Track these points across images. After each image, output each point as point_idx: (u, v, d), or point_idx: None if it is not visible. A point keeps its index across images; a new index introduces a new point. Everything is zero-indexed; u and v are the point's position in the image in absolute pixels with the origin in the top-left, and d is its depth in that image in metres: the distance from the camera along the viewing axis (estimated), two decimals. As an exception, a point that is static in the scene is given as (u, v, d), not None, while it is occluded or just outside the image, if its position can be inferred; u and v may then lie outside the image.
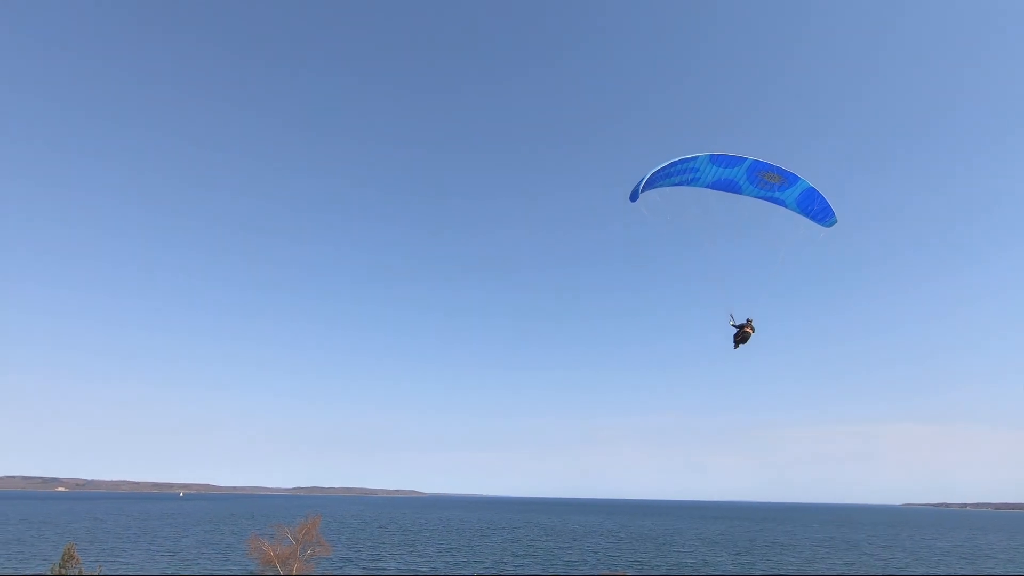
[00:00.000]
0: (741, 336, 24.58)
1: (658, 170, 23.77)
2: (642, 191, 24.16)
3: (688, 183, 24.89)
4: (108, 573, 52.84)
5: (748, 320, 24.66)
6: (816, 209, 25.28)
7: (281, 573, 49.85)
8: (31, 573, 67.44)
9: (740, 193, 25.50)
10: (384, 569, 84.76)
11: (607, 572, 55.63)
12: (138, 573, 75.97)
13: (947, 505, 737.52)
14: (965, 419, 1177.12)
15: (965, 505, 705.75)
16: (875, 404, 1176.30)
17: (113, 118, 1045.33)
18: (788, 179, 24.55)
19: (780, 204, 25.74)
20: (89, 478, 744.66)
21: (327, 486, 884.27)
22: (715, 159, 24.02)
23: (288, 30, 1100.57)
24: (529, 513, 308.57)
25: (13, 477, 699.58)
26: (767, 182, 24.83)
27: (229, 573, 77.60)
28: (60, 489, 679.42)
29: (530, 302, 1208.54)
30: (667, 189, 25.11)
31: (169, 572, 77.99)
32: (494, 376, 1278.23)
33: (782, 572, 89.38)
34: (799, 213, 25.71)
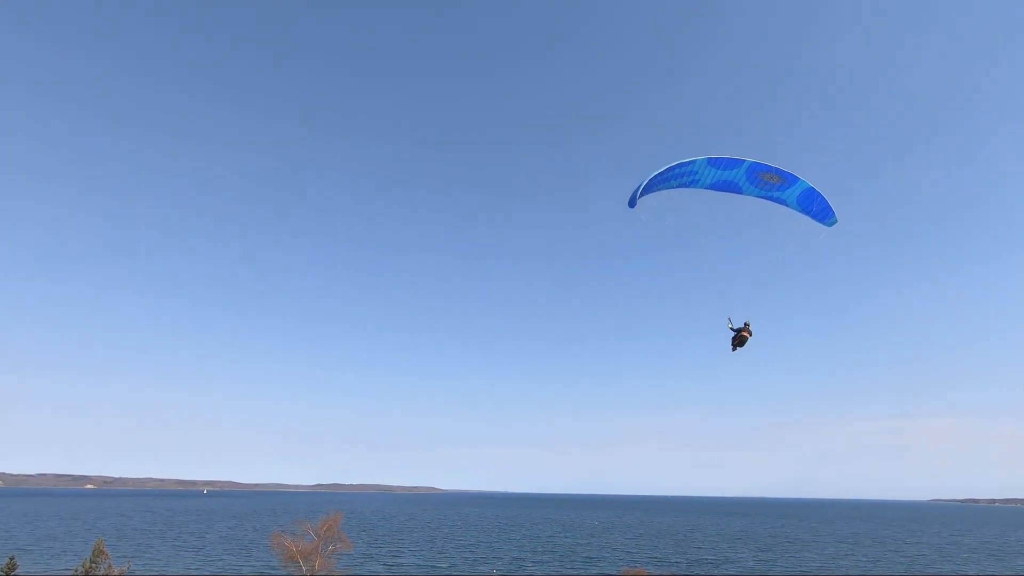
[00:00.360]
0: (739, 340, 25.05)
1: (656, 175, 23.73)
2: (640, 197, 24.13)
3: (687, 185, 24.92)
4: (136, 568, 54.05)
5: (746, 324, 25.00)
6: (817, 209, 25.15)
7: (303, 568, 50.49)
8: (62, 570, 69.20)
9: (741, 193, 25.41)
10: (403, 565, 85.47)
11: (627, 569, 55.37)
12: (164, 572, 77.51)
13: (975, 501, 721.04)
14: (994, 413, 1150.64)
15: (994, 501, 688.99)
16: (901, 399, 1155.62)
17: (113, 117, 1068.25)
18: (788, 179, 24.42)
19: (781, 203, 25.61)
20: (117, 476, 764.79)
21: (346, 483, 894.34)
22: (713, 162, 23.96)
23: (305, 34, 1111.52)
24: (547, 509, 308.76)
25: (45, 475, 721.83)
26: (767, 182, 24.73)
27: (252, 568, 78.86)
28: (89, 486, 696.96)
29: (547, 298, 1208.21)
30: (667, 193, 25.11)
31: (194, 566, 79.53)
32: (511, 373, 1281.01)
33: (803, 569, 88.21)
34: (800, 212, 25.60)
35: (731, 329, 24.99)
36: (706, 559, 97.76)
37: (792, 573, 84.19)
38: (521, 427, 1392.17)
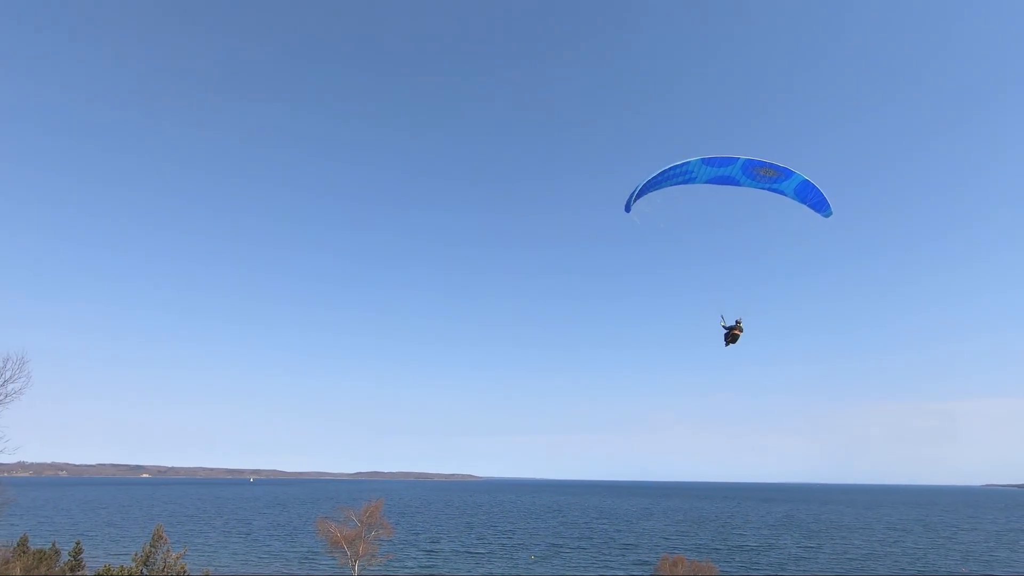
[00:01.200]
0: (731, 337, 25.72)
1: (650, 179, 24.09)
2: (634, 201, 24.39)
3: (684, 183, 25.44)
4: (191, 552, 56.66)
5: (737, 321, 25.55)
6: (813, 200, 25.56)
7: (348, 553, 51.91)
8: (121, 553, 72.79)
9: (739, 185, 25.86)
10: (443, 551, 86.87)
11: (666, 556, 55.05)
12: (216, 555, 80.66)
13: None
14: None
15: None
16: (947, 380, 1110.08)
17: (122, 110, 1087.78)
18: (783, 173, 24.77)
19: (779, 193, 26.09)
20: (170, 465, 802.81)
21: (386, 471, 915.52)
22: (708, 161, 24.34)
23: (308, 26, 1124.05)
24: (584, 496, 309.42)
25: (104, 465, 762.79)
26: (763, 176, 25.16)
27: (298, 553, 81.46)
28: (144, 475, 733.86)
29: (578, 285, 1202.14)
30: (664, 194, 25.53)
31: (243, 550, 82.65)
32: (546, 360, 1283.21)
33: (851, 556, 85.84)
34: (799, 202, 26.09)
35: (723, 327, 25.68)
36: (748, 546, 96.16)
37: (837, 573, 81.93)
38: (557, 414, 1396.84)
